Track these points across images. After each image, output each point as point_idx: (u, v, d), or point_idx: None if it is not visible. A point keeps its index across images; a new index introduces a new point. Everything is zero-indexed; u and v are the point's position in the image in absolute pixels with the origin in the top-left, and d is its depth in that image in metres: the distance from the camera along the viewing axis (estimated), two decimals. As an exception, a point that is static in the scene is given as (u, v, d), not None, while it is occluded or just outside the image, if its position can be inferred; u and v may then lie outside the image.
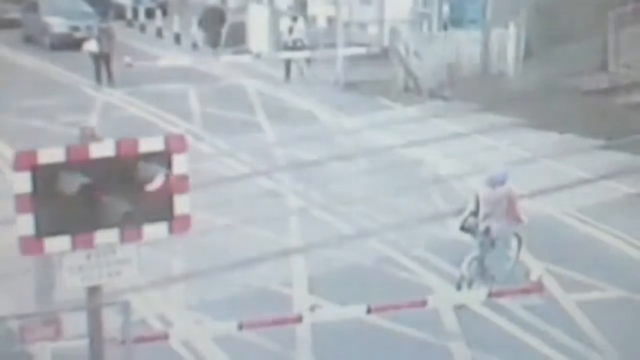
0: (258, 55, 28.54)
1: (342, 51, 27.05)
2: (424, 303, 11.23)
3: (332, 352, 11.83)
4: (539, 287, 11.94)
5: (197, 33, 34.52)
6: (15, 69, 30.93)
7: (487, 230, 13.15)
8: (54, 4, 35.79)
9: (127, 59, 25.96)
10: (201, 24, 35.01)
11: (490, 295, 11.70)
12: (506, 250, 13.63)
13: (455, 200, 17.09)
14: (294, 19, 28.92)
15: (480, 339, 12.19)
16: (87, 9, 36.96)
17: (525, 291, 12.04)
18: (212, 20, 34.87)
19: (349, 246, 15.32)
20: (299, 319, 11.09)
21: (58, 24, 34.78)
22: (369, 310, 10.84)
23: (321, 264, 14.55)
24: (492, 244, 13.25)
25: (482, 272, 13.31)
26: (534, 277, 12.41)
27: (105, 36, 28.17)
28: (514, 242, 13.83)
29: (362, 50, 26.98)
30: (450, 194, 17.77)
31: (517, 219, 13.35)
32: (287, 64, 28.65)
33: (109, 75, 27.69)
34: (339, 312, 11.54)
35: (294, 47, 28.44)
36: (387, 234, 15.73)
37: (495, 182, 13.30)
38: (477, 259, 13.22)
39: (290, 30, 28.59)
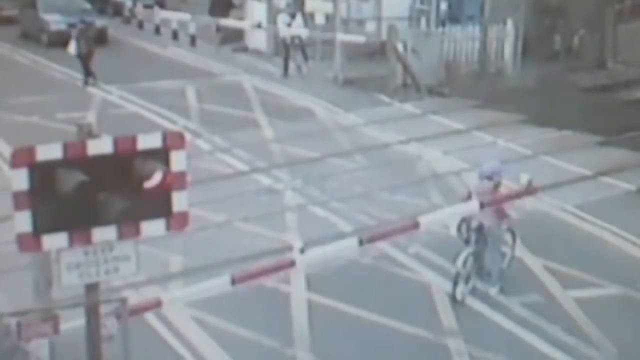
0: (259, 25, 28.15)
1: (341, 36, 26.85)
2: (416, 225, 11.08)
3: (330, 349, 11.82)
4: (531, 190, 11.83)
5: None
6: (12, 65, 30.91)
7: (480, 227, 13.11)
8: (51, 1, 35.69)
9: None
10: (211, 11, 35.73)
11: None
12: (500, 246, 13.59)
13: (453, 196, 17.09)
14: (293, 15, 28.66)
15: (478, 336, 12.19)
16: (86, 5, 36.91)
17: (519, 195, 11.85)
18: (221, 7, 35.60)
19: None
20: (292, 264, 11.00)
21: (55, 21, 34.55)
22: (360, 242, 10.72)
23: (319, 260, 14.52)
24: (485, 240, 13.20)
25: (478, 269, 13.30)
26: (523, 180, 12.29)
27: (83, 37, 27.44)
28: (508, 238, 13.81)
29: (361, 39, 26.87)
30: (448, 190, 17.76)
31: (504, 214, 13.26)
32: (285, 60, 28.57)
33: (90, 75, 27.20)
34: (329, 249, 11.43)
35: (292, 44, 28.39)
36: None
37: (486, 176, 13.25)
38: (471, 255, 13.19)
39: (289, 27, 28.48)
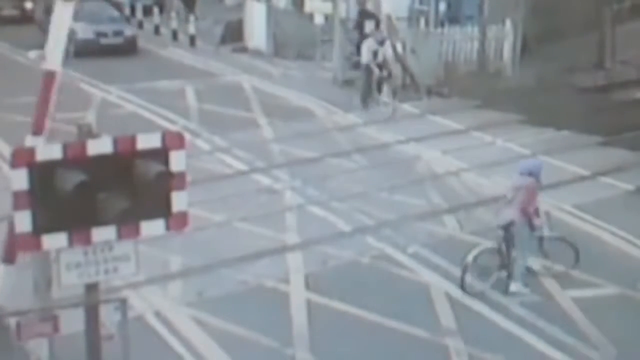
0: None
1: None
2: None
3: (329, 349, 11.83)
4: None
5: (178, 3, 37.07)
6: (13, 66, 30.87)
7: (510, 223, 13.17)
8: (78, 8, 34.22)
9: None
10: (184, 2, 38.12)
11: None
12: (523, 246, 13.47)
13: (452, 197, 17.12)
14: (381, 42, 24.93)
15: (477, 336, 12.20)
16: (114, 13, 34.97)
17: None
18: None
19: (346, 243, 15.32)
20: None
21: (83, 30, 31.29)
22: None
23: (318, 260, 14.56)
24: (512, 237, 13.26)
25: (502, 265, 13.28)
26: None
27: None
28: (533, 243, 13.65)
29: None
30: (447, 190, 17.78)
31: (528, 214, 13.27)
32: (367, 87, 24.56)
33: None
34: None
35: (379, 74, 24.45)
36: (384, 231, 15.74)
37: (523, 170, 13.42)
38: (496, 252, 13.27)
39: (375, 55, 24.65)
